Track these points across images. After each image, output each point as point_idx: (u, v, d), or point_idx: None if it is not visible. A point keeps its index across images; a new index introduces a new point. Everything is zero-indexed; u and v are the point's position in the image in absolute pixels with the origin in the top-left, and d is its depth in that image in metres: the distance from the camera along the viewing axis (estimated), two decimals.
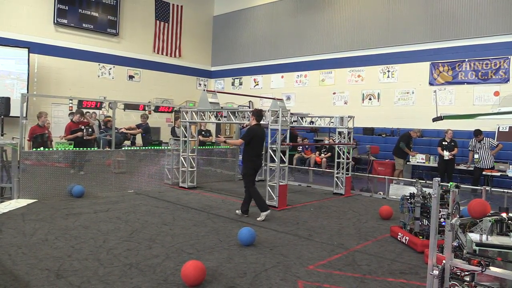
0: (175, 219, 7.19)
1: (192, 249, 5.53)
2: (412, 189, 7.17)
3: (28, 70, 14.68)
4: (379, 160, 13.56)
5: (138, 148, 11.66)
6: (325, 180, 12.41)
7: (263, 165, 7.91)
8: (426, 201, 6.06)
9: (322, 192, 10.85)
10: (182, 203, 8.57)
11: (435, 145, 12.41)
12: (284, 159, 8.54)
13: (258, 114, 7.65)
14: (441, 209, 5.35)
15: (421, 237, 5.92)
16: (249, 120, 8.28)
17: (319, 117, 10.75)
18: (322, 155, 14.43)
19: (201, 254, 5.33)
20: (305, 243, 6.04)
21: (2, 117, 9.87)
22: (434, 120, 7.77)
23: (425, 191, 6.19)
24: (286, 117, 8.80)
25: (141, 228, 6.53)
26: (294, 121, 10.67)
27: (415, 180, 7.00)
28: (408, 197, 6.33)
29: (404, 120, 14.34)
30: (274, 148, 8.45)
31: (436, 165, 12.24)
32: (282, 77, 18.66)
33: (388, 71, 15.26)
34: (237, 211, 7.85)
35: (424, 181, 7.01)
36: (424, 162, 12.71)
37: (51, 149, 9.40)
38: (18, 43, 14.72)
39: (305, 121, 10.80)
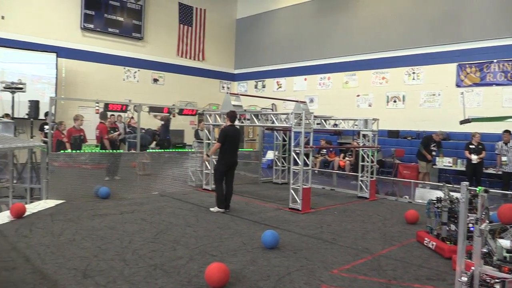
0: (198, 221, 7.24)
1: (216, 251, 5.56)
2: (439, 193, 7.03)
3: (56, 74, 15.08)
4: (405, 164, 13.35)
5: (162, 150, 11.80)
6: (349, 183, 12.30)
7: (237, 161, 8.33)
8: (453, 206, 5.93)
9: (346, 195, 10.75)
10: (205, 205, 8.63)
11: (462, 148, 12.14)
12: (308, 162, 8.51)
13: (231, 115, 8.28)
14: (469, 214, 5.22)
15: (448, 242, 5.80)
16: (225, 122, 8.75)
17: (342, 119, 10.68)
18: (346, 158, 14.29)
19: (225, 256, 5.35)
20: (329, 247, 5.99)
21: (31, 120, 10.14)
22: (462, 122, 7.59)
23: (453, 196, 6.06)
24: (309, 120, 8.76)
25: (165, 229, 6.60)
26: (318, 123, 10.61)
27: (441, 184, 6.87)
28: (435, 202, 6.21)
29: (430, 123, 14.07)
30: (297, 151, 8.43)
31: (463, 168, 11.97)
32: (305, 79, 18.60)
33: (413, 72, 15.02)
34: (212, 209, 8.11)
35: (451, 185, 6.87)
36: (451, 166, 12.45)
37: (79, 151, 9.62)
38: (47, 48, 15.13)
39: (329, 124, 10.74)
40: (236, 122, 9.79)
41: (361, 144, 10.61)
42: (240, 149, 12.58)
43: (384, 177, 11.86)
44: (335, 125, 10.75)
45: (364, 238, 6.54)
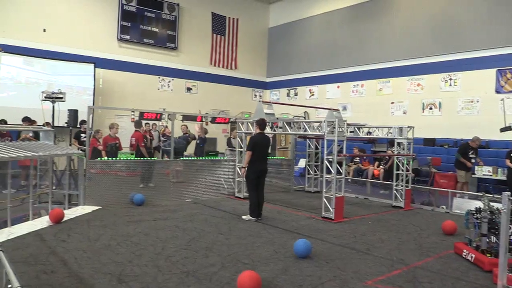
0: (231, 229, 7.26)
1: (248, 259, 5.55)
2: (478, 204, 6.78)
3: (94, 84, 15.58)
4: (441, 172, 12.97)
5: (195, 158, 11.94)
6: (384, 192, 12.05)
7: (267, 169, 8.44)
8: (494, 217, 5.70)
9: (380, 205, 10.55)
10: (238, 213, 8.65)
11: (502, 157, 11.68)
12: (341, 170, 8.40)
13: (261, 123, 8.42)
14: (511, 226, 5.01)
15: (488, 255, 5.57)
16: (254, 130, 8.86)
17: (376, 127, 10.52)
18: (381, 166, 14.03)
19: (257, 265, 5.33)
20: (363, 257, 5.88)
21: (70, 128, 10.49)
22: (502, 130, 7.35)
23: (493, 206, 5.83)
24: (343, 128, 8.69)
25: (198, 236, 6.65)
26: (351, 131, 10.50)
27: (481, 194, 6.62)
28: (474, 212, 5.99)
29: (468, 130, 13.62)
30: (330, 159, 8.35)
31: (504, 178, 11.50)
32: (338, 87, 18.44)
33: (450, 79, 14.63)
34: (244, 217, 8.13)
35: (491, 195, 6.61)
36: (490, 175, 11.99)
37: (115, 158, 9.87)
38: (85, 59, 15.69)
39: (362, 132, 10.59)
40: (269, 130, 9.83)
41: (395, 153, 10.41)
42: (272, 157, 12.63)
43: (419, 186, 11.55)
44: (369, 133, 10.59)
45: (399, 248, 6.38)
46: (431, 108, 15.06)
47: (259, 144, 8.20)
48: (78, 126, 11.44)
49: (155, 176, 10.49)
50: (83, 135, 11.50)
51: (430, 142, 14.46)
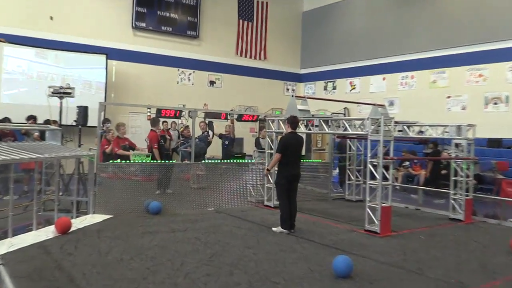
0: (259, 242, 7.22)
1: (279, 278, 5.49)
2: None
3: (106, 77, 15.89)
4: (509, 179, 12.57)
5: (219, 161, 11.96)
6: (439, 202, 11.77)
7: (300, 174, 8.41)
8: None
9: (435, 216, 10.31)
10: (267, 224, 8.60)
11: None
12: (387, 175, 8.26)
13: (292, 121, 8.33)
14: None
15: None
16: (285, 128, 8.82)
17: (429, 125, 10.30)
18: (422, 170, 13.74)
19: (289, 284, 5.27)
20: (414, 278, 5.74)
21: (79, 127, 10.68)
22: None
23: None
24: (389, 126, 8.56)
25: (221, 251, 6.63)
26: (399, 130, 10.33)
27: None
28: None
29: None
30: (374, 163, 8.22)
31: None
32: (384, 79, 18.17)
33: None
34: (274, 229, 8.11)
35: None
36: None
37: (127, 161, 9.98)
38: (96, 49, 15.99)
39: (412, 131, 10.40)
40: (302, 129, 9.75)
41: (453, 155, 10.14)
42: (306, 160, 12.53)
43: (483, 195, 11.21)
44: (421, 132, 10.38)
45: (458, 269, 6.20)
46: (496, 103, 14.65)
47: (291, 145, 8.17)
48: (101, 125, 11.67)
49: (173, 181, 10.56)
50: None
51: (495, 143, 14.14)
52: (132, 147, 11.18)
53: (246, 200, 11.02)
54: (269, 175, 10.17)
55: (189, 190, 10.42)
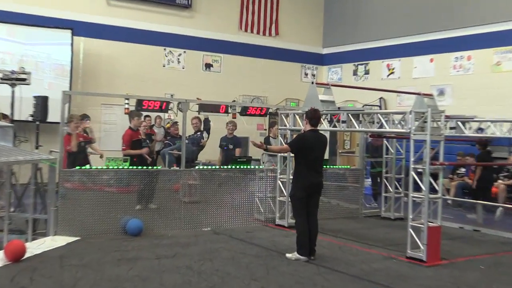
0: (269, 273, 7.22)
1: None
2: None
3: (72, 59, 15.89)
4: None
5: (217, 167, 11.93)
6: (505, 221, 11.69)
7: (322, 184, 8.40)
8: None
9: (499, 240, 10.28)
10: (279, 249, 8.60)
11: None
12: (436, 186, 8.21)
13: (312, 115, 8.28)
14: None
15: None
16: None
17: (492, 121, 10.23)
18: (500, 181, 13.62)
19: None
20: None
21: (37, 123, 10.69)
22: None
23: None
24: (439, 122, 8.51)
25: (220, 283, 6.62)
26: (452, 128, 10.26)
27: None
28: None
29: None
30: (419, 170, 8.19)
31: None
32: (432, 60, 18.09)
33: None
34: (288, 255, 8.07)
35: None
36: None
37: (98, 167, 9.98)
38: (59, 23, 15.97)
39: (469, 128, 10.35)
40: (325, 126, 9.70)
41: None
42: (330, 166, 12.46)
43: None
44: (480, 129, 10.32)
45: None
46: None
47: (310, 146, 8.14)
48: (66, 122, 11.68)
49: (158, 193, 10.56)
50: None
51: None
52: (87, 140, 11.15)
53: (252, 217, 11.02)
54: (279, 183, 10.17)
55: (178, 204, 10.41)
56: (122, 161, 10.29)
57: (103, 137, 15.12)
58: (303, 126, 8.84)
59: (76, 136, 11.31)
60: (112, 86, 16.35)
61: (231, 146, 13.57)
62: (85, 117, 12.33)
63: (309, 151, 8.11)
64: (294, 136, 9.85)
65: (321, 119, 8.89)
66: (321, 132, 8.63)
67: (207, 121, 13.24)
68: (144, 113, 12.36)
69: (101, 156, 12.49)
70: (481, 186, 13.10)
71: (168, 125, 13.95)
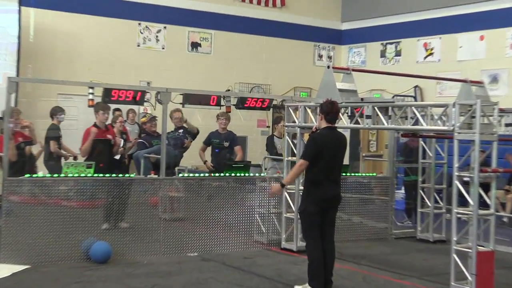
0: None
1: None
2: None
3: (19, 36, 15.85)
4: None
5: (205, 175, 11.92)
6: None
7: (340, 196, 8.34)
8: None
9: None
10: (286, 279, 8.63)
11: None
12: (488, 200, 8.20)
13: (329, 109, 8.15)
14: None
15: None
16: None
17: None
18: None
19: None
20: None
21: None
22: None
23: None
24: (491, 117, 8.47)
25: None
26: (508, 124, 10.28)
27: None
28: None
29: None
30: (465, 178, 8.17)
31: None
32: (482, 38, 18.12)
33: None
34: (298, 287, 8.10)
35: None
36: None
37: (54, 175, 9.97)
38: None
39: None
40: (346, 123, 9.71)
41: None
42: (351, 174, 12.46)
43: None
44: None
45: None
46: None
47: (327, 149, 8.09)
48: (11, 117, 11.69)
49: (131, 208, 10.56)
50: None
51: None
52: (27, 141, 11.16)
53: (252, 240, 11.03)
54: (286, 195, 10.16)
55: (157, 223, 10.41)
56: (85, 167, 10.27)
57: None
58: (316, 122, 8.84)
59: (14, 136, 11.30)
60: (72, 72, 16.35)
61: (226, 144, 13.50)
62: (58, 110, 12.24)
63: (325, 154, 8.05)
64: (306, 135, 9.86)
65: (340, 114, 8.87)
66: (339, 130, 8.54)
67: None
68: (113, 106, 12.35)
69: (75, 158, 12.58)
70: None
71: (144, 119, 13.87)
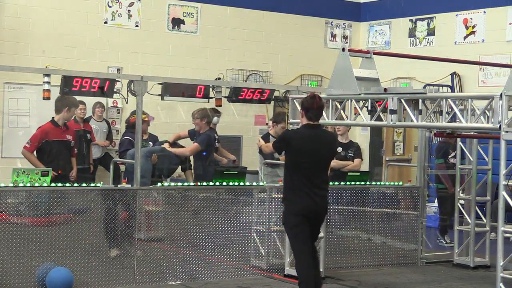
0: None
1: None
2: None
3: None
4: None
5: (189, 184, 11.97)
6: None
7: (326, 203, 8.49)
8: None
9: None
10: None
11: None
12: None
13: (310, 105, 8.42)
14: None
15: None
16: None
17: None
18: None
19: None
20: None
21: None
22: None
23: None
24: None
25: None
26: None
27: None
28: None
29: None
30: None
31: None
32: None
33: None
34: None
35: None
36: None
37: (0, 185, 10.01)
38: None
39: None
40: (366, 119, 9.76)
41: None
42: (370, 183, 12.47)
43: None
44: None
45: None
46: None
47: (304, 150, 8.32)
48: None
49: (98, 224, 10.56)
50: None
51: None
52: None
53: (248, 264, 11.06)
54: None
55: (129, 244, 10.46)
56: (40, 174, 10.27)
57: (6, 136, 15.08)
58: (328, 118, 8.92)
59: None
60: (23, 56, 16.38)
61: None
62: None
63: (300, 156, 8.28)
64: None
65: (324, 110, 8.93)
66: (325, 128, 8.81)
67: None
68: (78, 98, 12.38)
69: None
70: None
71: (133, 118, 13.85)
